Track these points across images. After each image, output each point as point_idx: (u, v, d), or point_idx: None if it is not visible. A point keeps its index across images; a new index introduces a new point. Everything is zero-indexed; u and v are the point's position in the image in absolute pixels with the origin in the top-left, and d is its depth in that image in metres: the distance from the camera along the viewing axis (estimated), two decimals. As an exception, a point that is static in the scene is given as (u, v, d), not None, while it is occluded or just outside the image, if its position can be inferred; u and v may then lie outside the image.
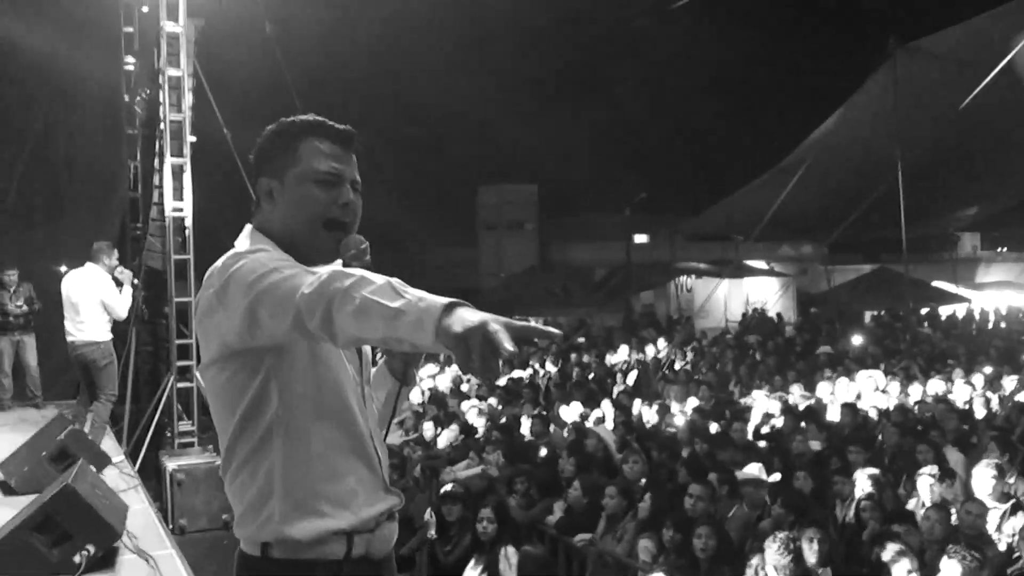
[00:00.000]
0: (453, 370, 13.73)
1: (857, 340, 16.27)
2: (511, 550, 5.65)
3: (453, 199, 30.18)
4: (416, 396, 11.65)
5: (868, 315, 22.37)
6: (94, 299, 8.19)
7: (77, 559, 4.43)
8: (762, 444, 8.40)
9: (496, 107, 27.64)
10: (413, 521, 7.04)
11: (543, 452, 8.19)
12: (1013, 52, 13.17)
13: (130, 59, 13.15)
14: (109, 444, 7.88)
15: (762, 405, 10.12)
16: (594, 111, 28.59)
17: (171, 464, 10.59)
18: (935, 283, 24.86)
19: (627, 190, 28.28)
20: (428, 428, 9.42)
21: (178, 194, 12.14)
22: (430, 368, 14.33)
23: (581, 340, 18.16)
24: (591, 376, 13.12)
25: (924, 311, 21.51)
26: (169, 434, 11.80)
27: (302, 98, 16.18)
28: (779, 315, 22.33)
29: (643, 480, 6.99)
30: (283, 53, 14.86)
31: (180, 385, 11.94)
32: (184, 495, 10.41)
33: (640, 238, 30.22)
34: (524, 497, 7.19)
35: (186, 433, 11.93)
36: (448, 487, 7.00)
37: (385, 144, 27.14)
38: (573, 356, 14.96)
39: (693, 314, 22.52)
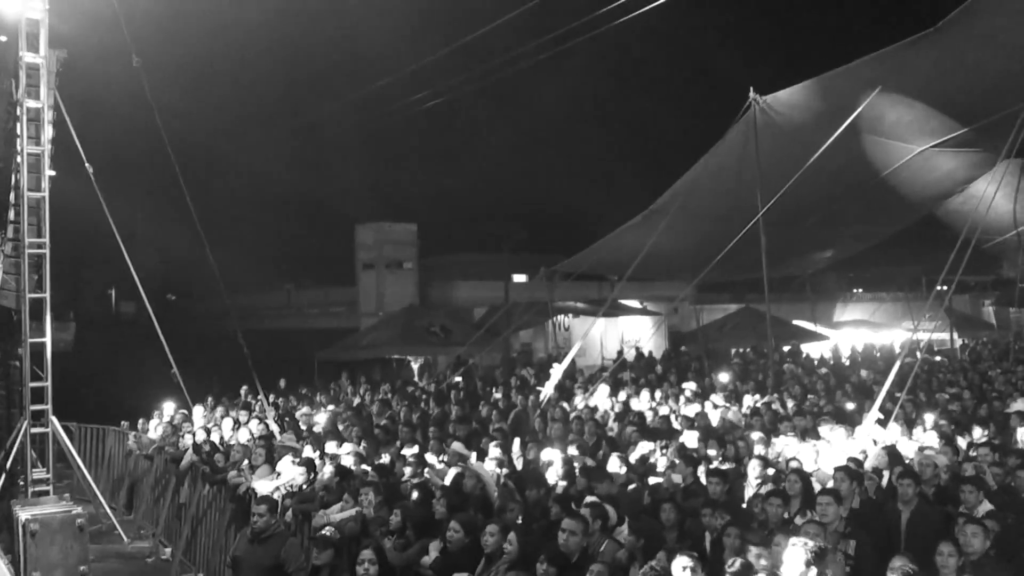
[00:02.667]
0: (330, 410, 13.50)
1: (723, 376, 16.96)
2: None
3: (331, 237, 29.78)
4: (290, 437, 11.41)
5: (733, 351, 23.36)
6: None
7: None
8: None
9: (376, 146, 27.62)
10: (285, 566, 6.86)
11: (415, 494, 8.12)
12: (860, 108, 14.13)
13: (-15, 90, 12.51)
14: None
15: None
16: (472, 151, 28.92)
17: (24, 514, 9.96)
18: (796, 322, 26.24)
19: (506, 230, 28.69)
20: (300, 471, 9.20)
21: (35, 230, 11.56)
22: (305, 409, 14.03)
23: (458, 379, 18.17)
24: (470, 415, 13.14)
25: (786, 348, 22.64)
26: (22, 482, 11.12)
27: (169, 132, 15.75)
28: (650, 353, 23.02)
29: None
30: (150, 86, 14.43)
31: (34, 430, 11.28)
32: (39, 546, 9.80)
33: (519, 277, 30.59)
34: (400, 538, 7.11)
35: (40, 481, 11.28)
36: (322, 531, 6.86)
37: (260, 180, 26.63)
38: (452, 395, 14.96)
39: (570, 351, 22.92)
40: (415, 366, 24.76)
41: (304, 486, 8.98)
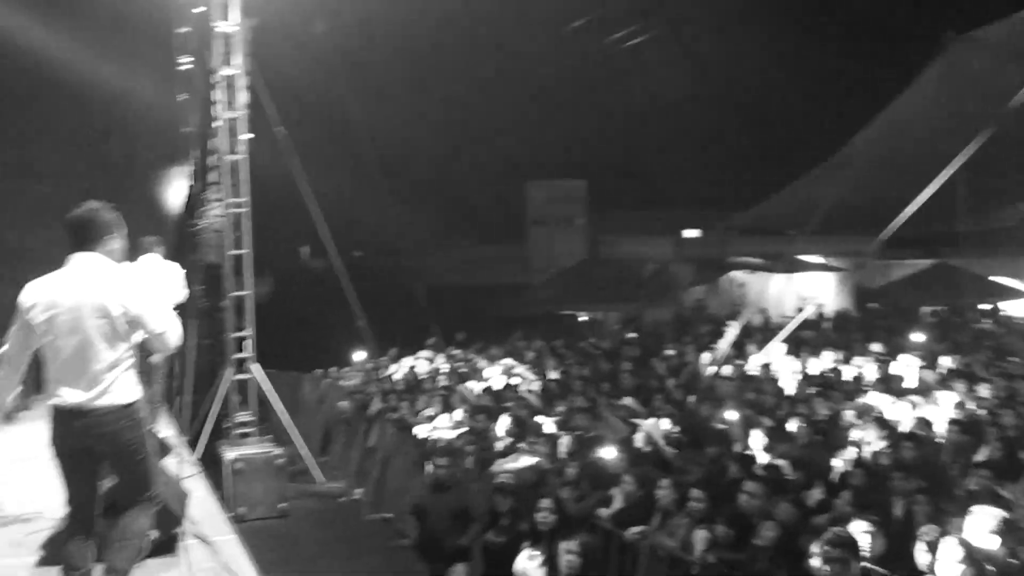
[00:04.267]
0: (506, 364, 13.79)
1: (917, 336, 15.95)
2: (568, 542, 5.69)
3: (501, 195, 30.12)
4: (475, 389, 11.71)
5: (927, 310, 21.88)
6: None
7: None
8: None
9: (544, 102, 27.55)
10: (468, 512, 7.11)
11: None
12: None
13: (184, 59, 13.43)
14: (170, 434, 8.07)
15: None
16: (644, 103, 28.23)
17: (230, 454, 10.84)
18: (995, 278, 24.20)
19: (678, 184, 28.05)
20: (482, 422, 9.49)
21: (235, 190, 12.42)
22: (481, 362, 14.45)
23: (632, 335, 18.08)
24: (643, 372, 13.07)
25: (984, 307, 20.98)
26: (228, 425, 12.08)
27: (354, 93, 16.42)
28: (833, 310, 21.97)
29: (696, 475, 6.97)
30: (336, 50, 15.10)
31: (238, 377, 12.21)
32: (242, 484, 10.66)
33: (691, 233, 29.90)
34: (576, 489, 7.22)
35: (244, 424, 12.18)
36: (501, 479, 7.06)
37: (434, 140, 27.21)
38: (623, 352, 14.91)
39: (746, 309, 22.25)
40: (587, 322, 24.85)
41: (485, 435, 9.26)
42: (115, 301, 3.86)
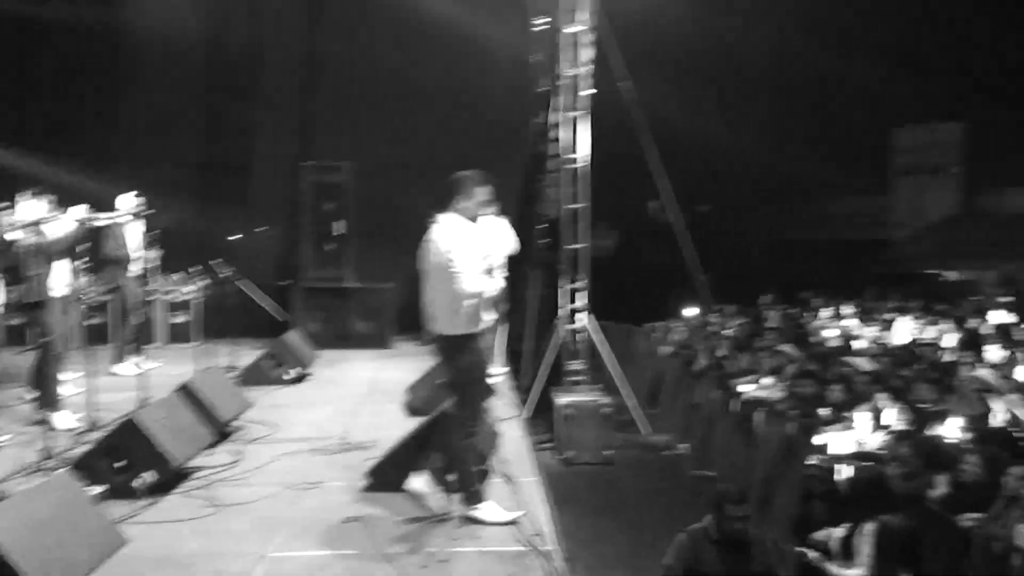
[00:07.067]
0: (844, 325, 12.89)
1: None
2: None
3: (863, 143, 27.80)
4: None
5: None
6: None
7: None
8: None
9: (913, 35, 24.71)
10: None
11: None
12: None
13: (538, 19, 14.02)
14: (501, 377, 8.67)
15: None
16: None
17: (562, 400, 11.40)
18: None
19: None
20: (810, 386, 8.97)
21: (573, 146, 12.83)
22: (819, 324, 13.63)
23: (1008, 299, 15.89)
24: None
25: None
26: (562, 372, 12.69)
27: (700, 41, 16.05)
28: None
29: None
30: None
31: (571, 327, 12.73)
32: (572, 429, 11.17)
33: (1095, 182, 25.47)
34: (907, 466, 6.57)
35: (576, 372, 12.70)
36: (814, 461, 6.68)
37: (789, 85, 25.84)
38: (991, 316, 13.15)
39: None
40: (956, 283, 22.33)
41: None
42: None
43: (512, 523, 4.57)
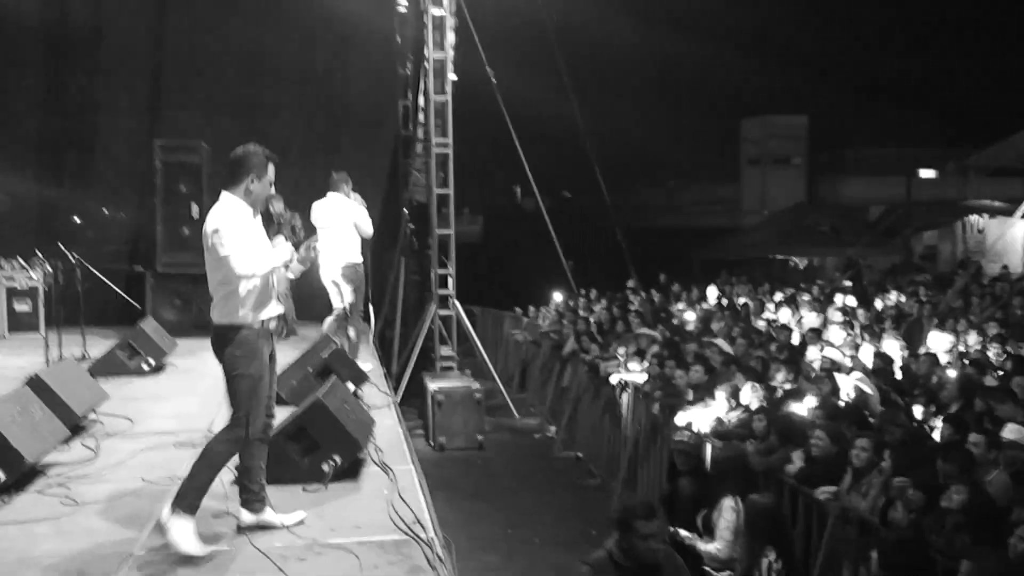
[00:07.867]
0: (704, 308, 13.40)
1: None
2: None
3: (713, 133, 29.02)
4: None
5: None
6: (346, 223, 7.94)
7: (325, 468, 4.85)
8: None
9: (760, 32, 25.97)
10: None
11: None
12: None
13: (403, 1, 13.81)
14: (371, 363, 8.51)
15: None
16: (867, 32, 25.97)
17: (433, 385, 11.37)
18: None
19: (910, 120, 25.81)
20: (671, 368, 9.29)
21: (440, 131, 12.75)
22: (680, 306, 14.14)
23: (847, 283, 16.99)
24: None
25: None
26: (433, 357, 12.66)
27: (562, 33, 16.28)
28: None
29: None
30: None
31: (441, 312, 12.70)
32: (443, 415, 11.15)
33: (925, 173, 27.58)
34: (763, 442, 6.92)
35: (447, 358, 12.72)
36: (680, 437, 6.91)
37: (642, 75, 26.54)
38: (837, 299, 14.02)
39: (983, 257, 20.30)
40: (800, 268, 23.68)
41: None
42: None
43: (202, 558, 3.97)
